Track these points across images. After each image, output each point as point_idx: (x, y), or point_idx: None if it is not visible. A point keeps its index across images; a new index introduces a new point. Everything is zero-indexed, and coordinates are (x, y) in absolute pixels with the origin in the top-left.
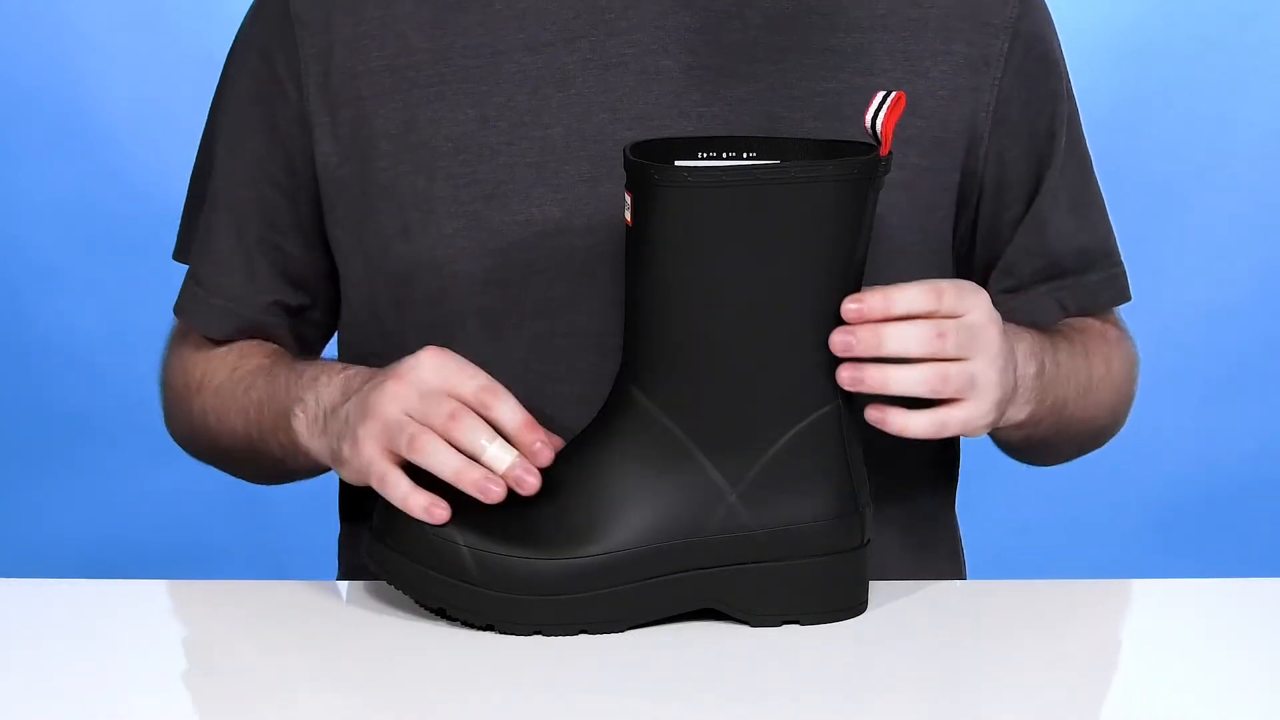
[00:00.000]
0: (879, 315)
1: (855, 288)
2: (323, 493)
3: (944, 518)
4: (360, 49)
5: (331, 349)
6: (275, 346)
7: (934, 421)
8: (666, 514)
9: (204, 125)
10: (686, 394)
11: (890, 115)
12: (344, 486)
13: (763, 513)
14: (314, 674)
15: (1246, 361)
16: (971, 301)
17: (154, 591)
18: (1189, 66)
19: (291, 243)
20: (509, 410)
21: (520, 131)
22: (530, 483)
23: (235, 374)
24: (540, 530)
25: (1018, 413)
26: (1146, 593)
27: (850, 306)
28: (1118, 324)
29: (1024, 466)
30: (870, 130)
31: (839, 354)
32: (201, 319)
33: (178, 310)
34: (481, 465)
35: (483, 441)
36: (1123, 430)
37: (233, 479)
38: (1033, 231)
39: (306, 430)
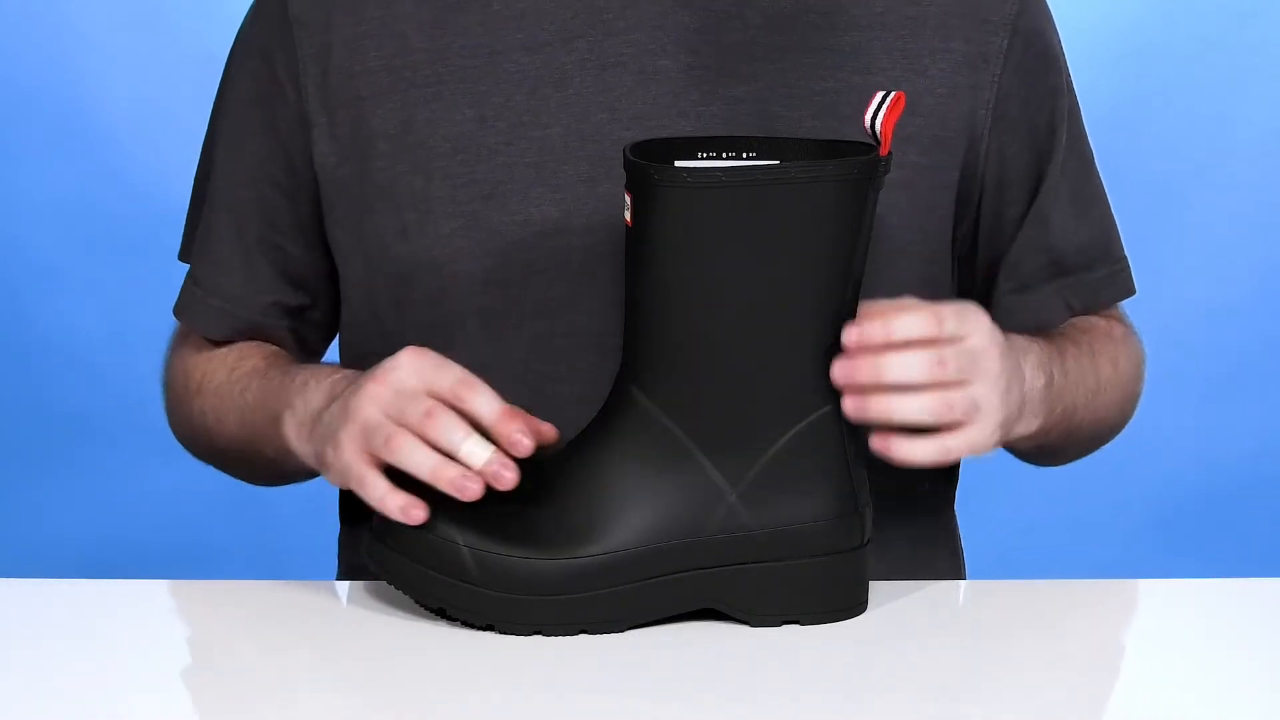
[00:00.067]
0: (880, 342)
1: (855, 288)
2: (323, 493)
3: (944, 518)
4: (359, 49)
5: (333, 350)
6: (274, 348)
7: (939, 448)
8: (666, 514)
9: (206, 126)
10: (686, 394)
11: (890, 115)
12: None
13: (763, 513)
14: (314, 674)
15: (1246, 360)
16: (972, 325)
17: (154, 591)
18: (1189, 66)
19: (292, 243)
20: (485, 401)
21: (518, 131)
22: (507, 477)
23: (233, 375)
24: (540, 530)
25: (1027, 426)
26: (1147, 593)
27: (851, 334)
28: (1122, 319)
29: (1024, 466)
30: (870, 130)
31: (840, 385)
32: (200, 320)
33: (177, 311)
34: (459, 462)
35: (458, 438)
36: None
37: (233, 479)
38: (1035, 229)
39: (295, 434)
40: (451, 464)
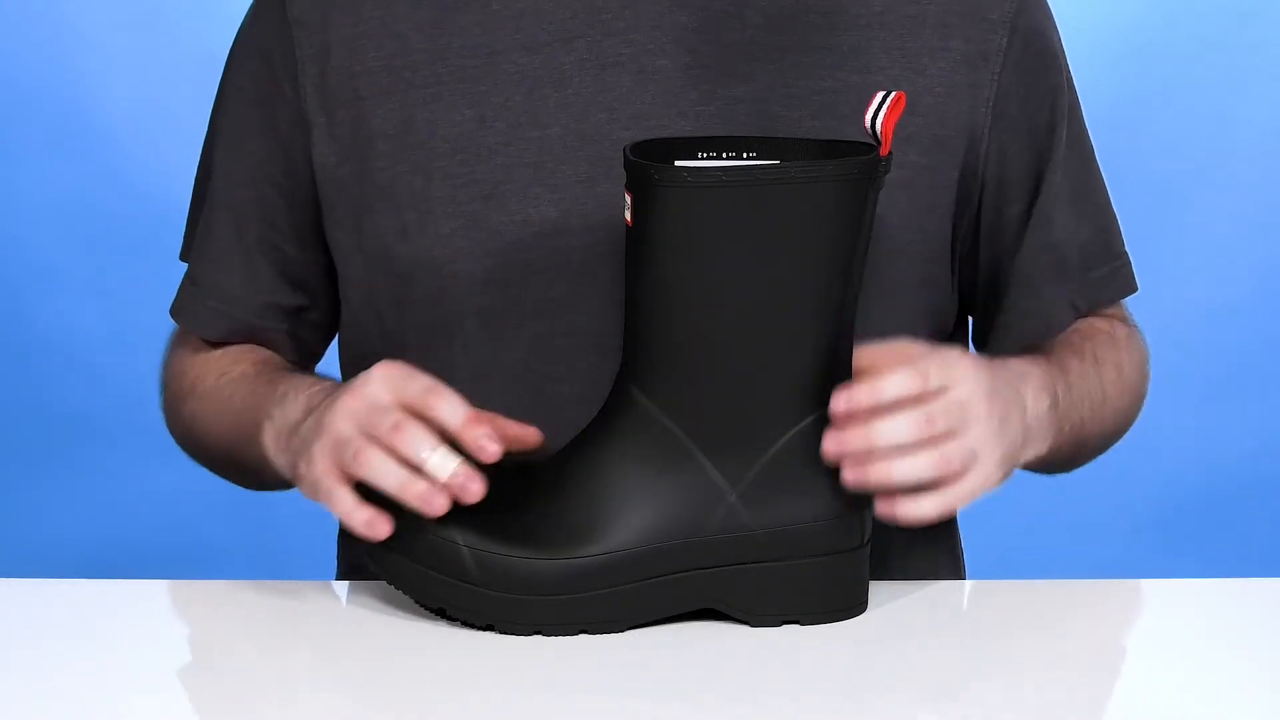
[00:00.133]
0: (868, 406)
1: (855, 288)
2: None
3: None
4: (358, 49)
5: (332, 351)
6: (267, 354)
7: (943, 501)
8: (666, 514)
9: (206, 127)
10: (686, 394)
11: (890, 115)
12: None
13: (763, 513)
14: (314, 674)
15: (1246, 360)
16: (957, 373)
17: (154, 591)
18: (1189, 66)
19: (290, 243)
20: (449, 408)
21: (517, 132)
22: (473, 489)
23: (222, 380)
24: (540, 530)
25: (1035, 451)
26: (1147, 593)
27: (838, 403)
28: (1125, 318)
29: None
30: (870, 130)
31: (833, 461)
32: (196, 320)
33: (174, 311)
34: (426, 476)
35: (425, 451)
36: None
37: None
38: (1039, 230)
39: (272, 445)
40: (417, 479)
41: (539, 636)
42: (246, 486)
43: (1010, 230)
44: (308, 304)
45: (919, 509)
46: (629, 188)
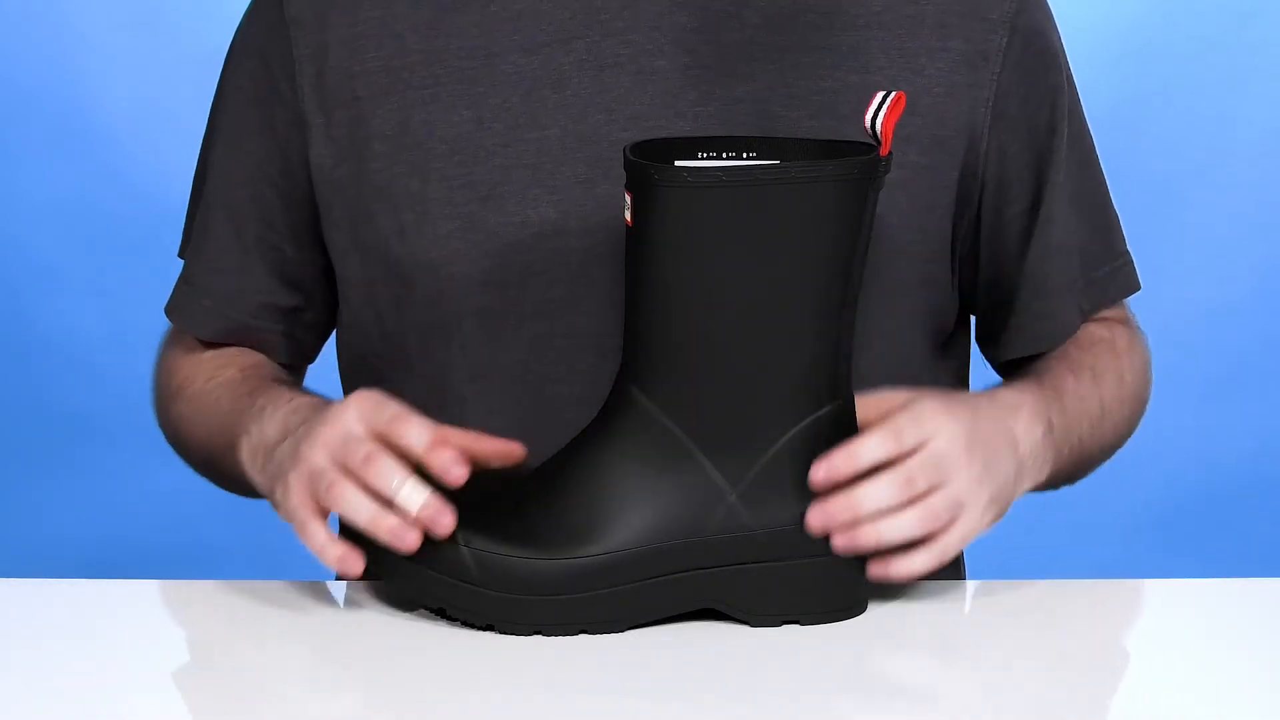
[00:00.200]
0: (847, 474)
1: (856, 288)
2: None
3: None
4: (356, 50)
5: (331, 351)
6: (254, 358)
7: (936, 553)
8: (666, 514)
9: (205, 126)
10: (686, 394)
11: (890, 115)
12: None
13: (763, 513)
14: (313, 674)
15: (1246, 361)
16: (931, 427)
17: (154, 591)
18: (1189, 66)
19: (288, 243)
20: (415, 435)
21: (516, 133)
22: (443, 523)
23: (209, 384)
24: (540, 530)
25: (1034, 480)
26: (1147, 593)
27: (818, 474)
28: (1126, 319)
29: None
30: (870, 130)
31: (818, 532)
32: (191, 320)
33: (168, 310)
34: (397, 509)
35: (395, 484)
36: None
37: None
38: (1043, 230)
39: (248, 461)
40: (388, 513)
41: (539, 636)
42: (231, 491)
43: (1011, 230)
44: (303, 304)
45: (912, 565)
46: (629, 188)
